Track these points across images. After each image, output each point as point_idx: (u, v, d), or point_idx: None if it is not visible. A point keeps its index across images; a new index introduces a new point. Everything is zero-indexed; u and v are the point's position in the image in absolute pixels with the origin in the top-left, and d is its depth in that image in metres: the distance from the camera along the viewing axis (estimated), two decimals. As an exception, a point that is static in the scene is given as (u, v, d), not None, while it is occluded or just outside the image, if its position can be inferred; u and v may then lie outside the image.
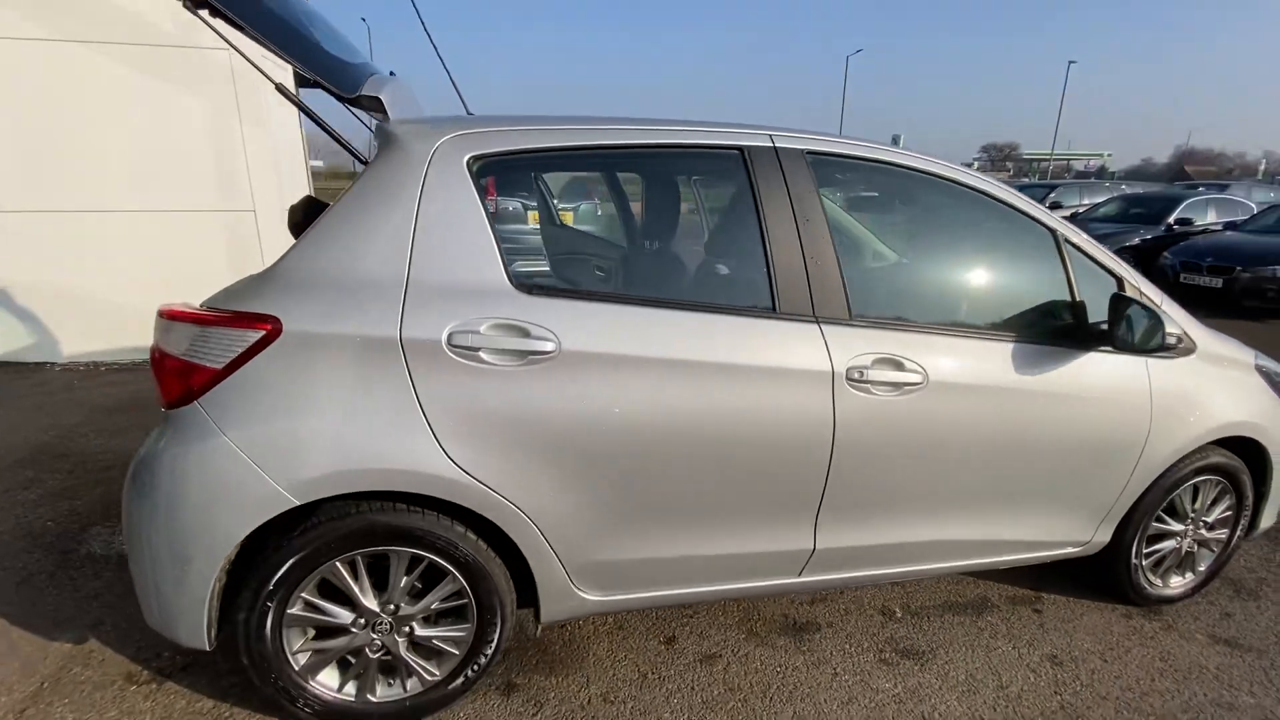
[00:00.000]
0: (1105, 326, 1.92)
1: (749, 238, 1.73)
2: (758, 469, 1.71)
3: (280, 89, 1.75)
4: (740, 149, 1.75)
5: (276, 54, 1.51)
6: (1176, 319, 2.06)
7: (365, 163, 2.49)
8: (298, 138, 5.42)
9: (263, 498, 1.41)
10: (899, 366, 1.74)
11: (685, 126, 1.75)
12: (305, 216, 2.22)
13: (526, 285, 1.55)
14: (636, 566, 1.72)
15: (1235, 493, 2.28)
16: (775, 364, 1.66)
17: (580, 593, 1.70)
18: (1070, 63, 46.38)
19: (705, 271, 2.02)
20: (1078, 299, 1.95)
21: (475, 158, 1.58)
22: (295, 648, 1.58)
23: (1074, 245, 1.99)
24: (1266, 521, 2.41)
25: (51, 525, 2.61)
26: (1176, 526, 2.27)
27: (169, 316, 1.46)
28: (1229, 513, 2.31)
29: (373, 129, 1.77)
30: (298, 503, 1.42)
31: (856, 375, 1.70)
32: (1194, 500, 2.26)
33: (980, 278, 2.05)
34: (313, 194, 7.50)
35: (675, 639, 2.07)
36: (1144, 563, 2.27)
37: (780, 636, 2.11)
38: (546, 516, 1.58)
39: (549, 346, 1.51)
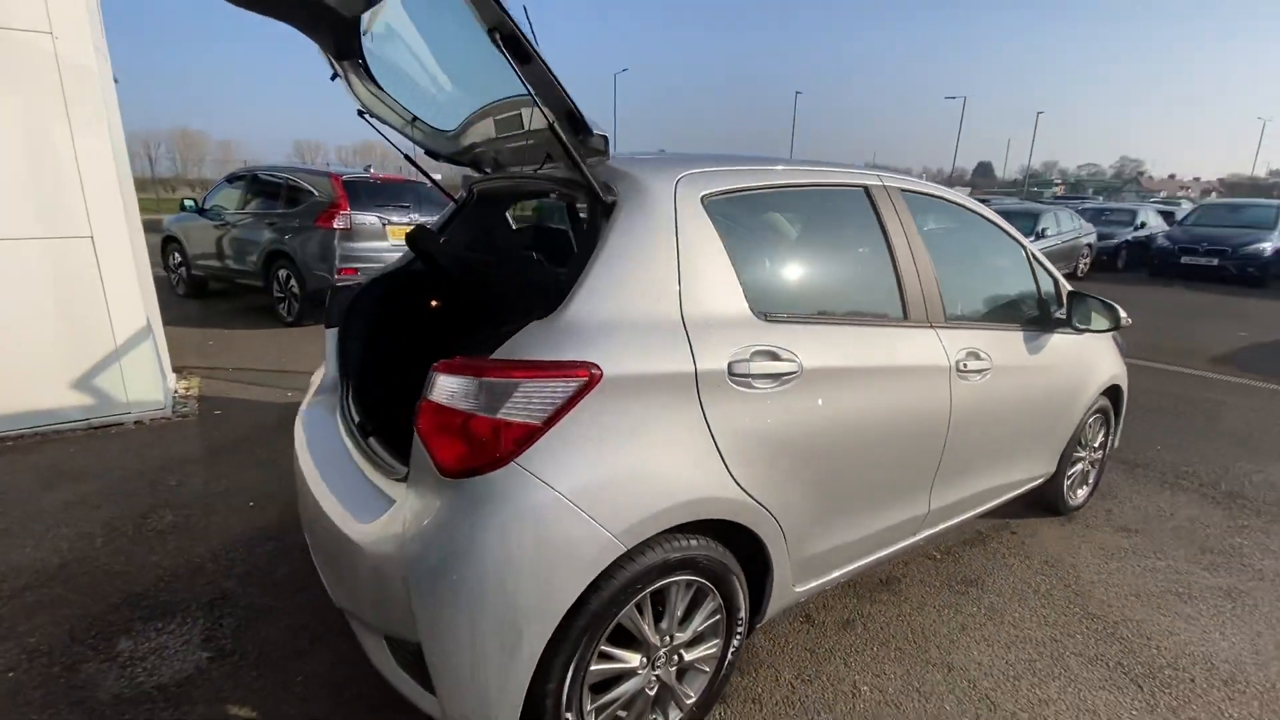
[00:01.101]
0: (1062, 315, 2.66)
1: (882, 259, 2.08)
2: (908, 450, 2.07)
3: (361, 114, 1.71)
4: (865, 187, 2.09)
5: (551, 97, 1.44)
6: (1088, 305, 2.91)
7: (437, 184, 2.34)
8: (124, 149, 4.36)
9: (598, 550, 1.36)
10: (977, 357, 2.24)
11: (829, 167, 2.04)
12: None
13: (763, 313, 1.69)
14: (826, 554, 1.95)
15: (1107, 423, 3.26)
16: (919, 363, 2.04)
17: (793, 587, 1.88)
18: (956, 97, 54.40)
19: (862, 289, 2.26)
20: (1045, 295, 2.67)
21: (706, 195, 1.68)
22: (588, 708, 1.51)
23: (1035, 257, 2.71)
24: (1116, 442, 3.46)
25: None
26: (1083, 453, 3.17)
27: (474, 372, 1.32)
28: (1104, 437, 3.30)
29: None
30: (625, 549, 1.40)
31: (961, 366, 2.16)
32: (1090, 432, 3.17)
33: (994, 284, 2.66)
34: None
35: (812, 617, 2.33)
36: (1067, 483, 3.12)
37: (879, 593, 2.49)
38: (789, 519, 1.74)
39: (794, 367, 1.68)
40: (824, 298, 1.95)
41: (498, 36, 1.33)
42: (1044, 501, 3.14)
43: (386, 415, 2.06)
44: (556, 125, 1.51)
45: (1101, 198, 28.89)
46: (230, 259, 7.37)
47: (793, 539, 1.78)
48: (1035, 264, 2.71)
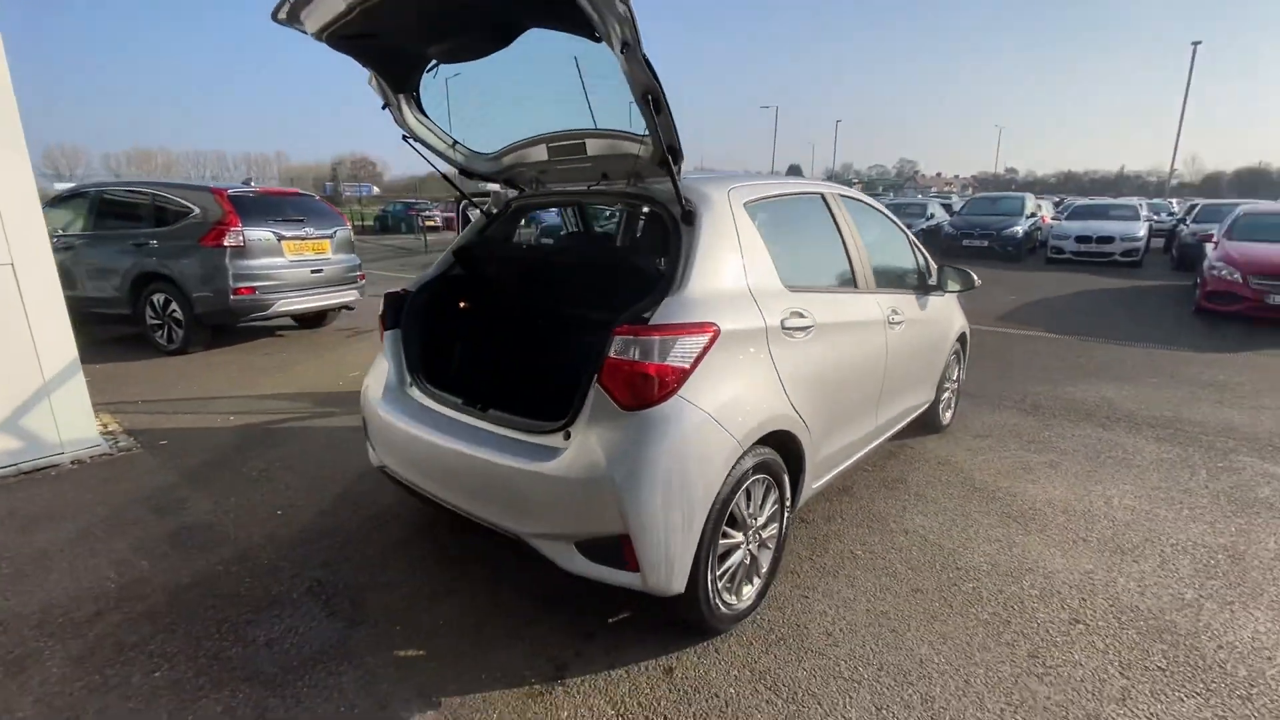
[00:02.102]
0: (934, 281, 3.68)
1: (839, 245, 2.86)
2: (867, 379, 2.88)
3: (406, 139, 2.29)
4: (821, 194, 2.87)
5: (670, 137, 1.96)
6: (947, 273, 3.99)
7: (469, 200, 2.75)
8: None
9: (730, 451, 1.95)
10: (896, 313, 3.13)
11: (799, 180, 2.78)
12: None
13: (789, 285, 2.37)
14: (827, 458, 2.68)
15: (959, 362, 4.43)
16: (870, 318, 2.86)
17: (811, 484, 2.59)
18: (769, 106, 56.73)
19: (832, 267, 2.97)
20: (928, 267, 3.67)
21: (746, 201, 2.32)
22: (717, 573, 2.08)
23: (913, 240, 3.71)
24: (964, 376, 4.67)
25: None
26: (948, 385, 4.29)
27: (644, 334, 1.83)
28: (958, 373, 4.46)
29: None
30: (743, 451, 2.00)
31: (889, 320, 3.02)
32: (951, 369, 4.30)
33: (896, 260, 3.59)
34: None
35: (805, 518, 3.07)
36: (940, 407, 4.21)
37: (842, 497, 3.30)
38: (814, 430, 2.44)
39: (811, 322, 2.38)
40: (814, 273, 2.69)
41: (649, 99, 1.84)
42: (926, 423, 4.20)
43: (483, 393, 2.43)
44: (669, 157, 2.04)
45: (892, 194, 34.15)
46: (81, 287, 6.55)
47: (814, 446, 2.48)
48: (914, 245, 3.71)
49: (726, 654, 2.13)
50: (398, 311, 2.72)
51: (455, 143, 2.72)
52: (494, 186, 2.96)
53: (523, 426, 2.11)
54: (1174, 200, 28.40)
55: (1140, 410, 4.80)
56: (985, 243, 14.76)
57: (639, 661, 2.08)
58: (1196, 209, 14.17)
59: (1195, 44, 29.97)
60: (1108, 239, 13.80)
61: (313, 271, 6.78)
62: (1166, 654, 2.15)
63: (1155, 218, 18.26)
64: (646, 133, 2.06)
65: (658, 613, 2.27)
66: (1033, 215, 16.14)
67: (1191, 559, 2.74)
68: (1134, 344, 7.09)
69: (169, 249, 6.20)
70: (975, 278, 3.72)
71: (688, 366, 1.88)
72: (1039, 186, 75.91)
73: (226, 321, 6.43)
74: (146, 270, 6.27)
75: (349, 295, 7.29)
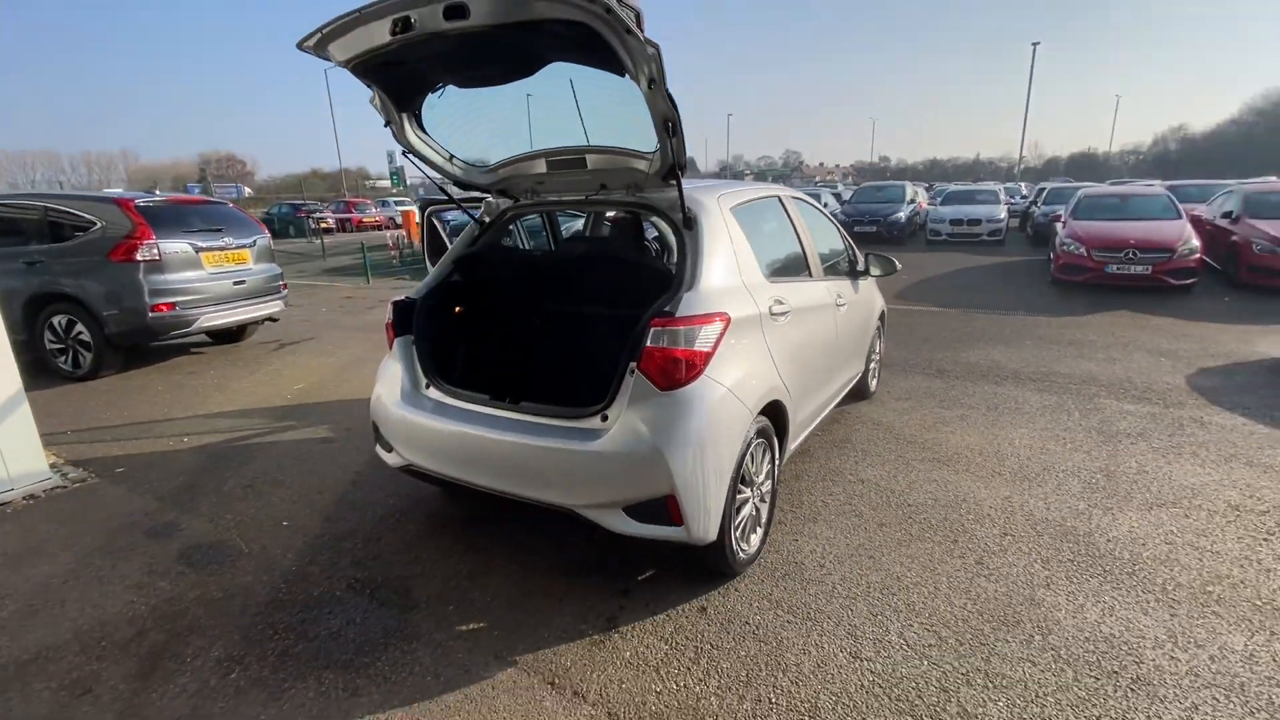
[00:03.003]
0: (862, 267, 4.25)
1: (794, 239, 3.31)
2: (825, 353, 3.36)
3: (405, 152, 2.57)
4: (779, 196, 3.30)
5: (680, 153, 2.27)
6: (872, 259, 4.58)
7: (460, 205, 2.96)
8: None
9: (744, 419, 2.33)
10: (840, 296, 3.64)
11: (764, 184, 3.19)
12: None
13: (768, 277, 2.77)
14: (801, 422, 3.13)
15: (880, 337, 5.08)
16: (824, 301, 3.34)
17: (790, 445, 3.02)
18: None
19: (793, 258, 3.38)
20: (856, 255, 4.23)
21: (732, 206, 2.70)
22: (735, 522, 2.46)
23: (843, 231, 4.26)
24: (883, 349, 5.34)
25: (214, 683, 2.11)
26: (875, 357, 4.91)
27: (675, 324, 2.15)
28: (880, 346, 5.11)
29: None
30: (753, 417, 2.38)
31: (836, 302, 3.53)
32: (874, 343, 4.93)
33: (833, 248, 4.10)
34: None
35: (798, 474, 3.52)
36: (869, 377, 4.83)
37: (803, 459, 3.79)
38: (794, 397, 2.87)
39: (789, 308, 2.81)
40: (783, 265, 3.12)
41: (668, 125, 2.15)
42: (858, 391, 4.80)
43: (504, 388, 2.65)
44: (678, 170, 2.35)
45: (782, 184, 36.11)
46: (-40, 313, 5.88)
47: (794, 412, 2.91)
48: (844, 235, 4.26)
49: (745, 591, 2.51)
50: (406, 318, 2.87)
51: (452, 157, 2.90)
52: (489, 199, 3.16)
53: (561, 414, 2.37)
54: (1023, 184, 32.02)
55: (1022, 368, 5.69)
56: (874, 228, 16.17)
57: (675, 605, 2.42)
58: (1045, 192, 16.27)
59: (1035, 44, 34.02)
60: (976, 221, 15.56)
61: (235, 283, 6.48)
62: (1073, 550, 2.76)
63: (1011, 200, 20.68)
64: (653, 150, 2.37)
65: (681, 568, 2.62)
66: (912, 201, 17.84)
67: (1078, 480, 3.44)
68: (1008, 313, 8.22)
69: (70, 266, 5.73)
70: (897, 263, 4.33)
71: (710, 350, 2.23)
72: (909, 173, 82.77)
73: (143, 341, 6.04)
74: (43, 291, 5.75)
75: (273, 306, 7.01)
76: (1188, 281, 9.10)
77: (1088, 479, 3.45)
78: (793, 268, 3.24)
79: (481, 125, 2.76)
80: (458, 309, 3.18)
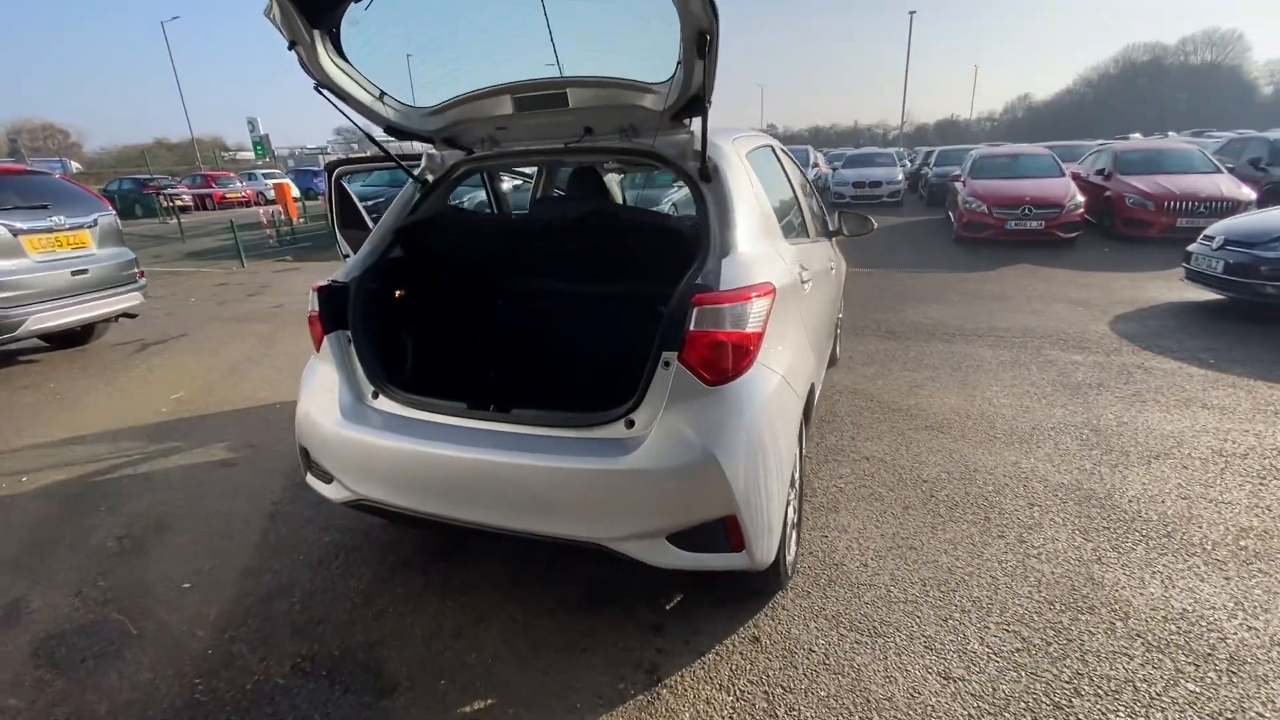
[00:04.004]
0: (834, 225, 3.97)
1: (791, 195, 2.92)
2: (829, 322, 3.03)
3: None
4: (772, 146, 2.89)
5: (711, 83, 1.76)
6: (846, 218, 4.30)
7: (403, 167, 2.32)
8: None
9: (797, 409, 1.93)
10: (830, 258, 3.33)
11: (755, 131, 2.76)
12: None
13: (787, 238, 2.37)
14: (817, 402, 2.80)
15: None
16: (826, 265, 3.00)
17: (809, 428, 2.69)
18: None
19: (794, 216, 2.97)
20: (825, 214, 3.93)
21: (746, 151, 2.25)
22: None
23: (820, 192, 3.94)
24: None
25: None
26: (839, 319, 4.71)
27: (723, 301, 1.69)
28: (842, 312, 4.91)
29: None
30: (802, 407, 1.98)
31: (829, 266, 3.20)
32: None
33: (815, 206, 3.76)
34: None
35: (809, 487, 3.19)
36: (836, 341, 4.63)
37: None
38: (819, 372, 2.51)
39: (810, 275, 2.43)
40: (790, 224, 2.72)
41: (704, 39, 1.64)
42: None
43: (480, 391, 2.09)
44: (705, 104, 1.85)
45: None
46: None
47: (818, 391, 2.57)
48: (819, 195, 3.94)
49: (793, 608, 2.15)
50: (338, 308, 2.21)
51: (384, 94, 2.22)
52: (431, 150, 2.49)
53: (572, 422, 1.86)
54: (902, 149, 33.86)
55: (964, 325, 5.74)
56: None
57: (721, 640, 2.02)
58: (935, 154, 17.05)
59: (912, 13, 35.69)
60: (877, 184, 16.07)
61: (74, 273, 5.23)
62: (1103, 515, 2.64)
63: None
64: (665, 80, 1.87)
65: (711, 587, 2.21)
66: (815, 165, 18.18)
67: (1071, 437, 3.38)
68: (926, 271, 8.42)
69: None
70: (873, 222, 4.08)
71: (761, 330, 1.80)
72: (795, 139, 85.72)
73: (-52, 353, 4.73)
74: None
75: (129, 299, 5.78)
76: (1074, 235, 9.77)
77: (1078, 435, 3.39)
78: (797, 227, 2.86)
79: (424, 50, 2.11)
80: (399, 293, 2.53)
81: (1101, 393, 4.01)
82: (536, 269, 2.50)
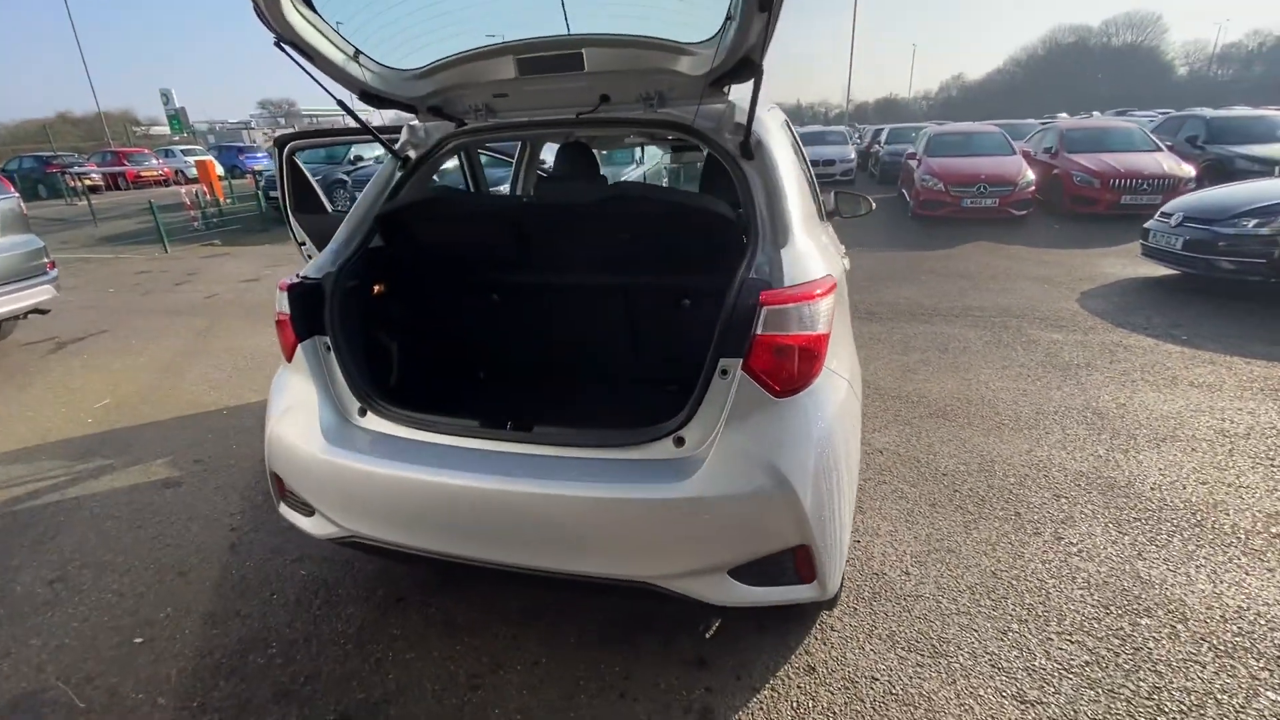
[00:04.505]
0: (831, 207, 3.78)
1: (804, 174, 2.70)
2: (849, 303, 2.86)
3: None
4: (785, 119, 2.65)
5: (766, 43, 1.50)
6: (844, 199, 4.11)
7: (382, 142, 1.98)
8: None
9: (859, 416, 1.71)
10: (835, 240, 3.13)
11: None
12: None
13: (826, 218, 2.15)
14: None
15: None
16: (833, 245, 2.79)
17: None
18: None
19: (813, 199, 2.72)
20: (823, 199, 3.73)
21: (780, 125, 2.00)
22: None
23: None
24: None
25: None
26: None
27: (792, 299, 1.45)
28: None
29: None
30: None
31: (839, 248, 3.02)
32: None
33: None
34: None
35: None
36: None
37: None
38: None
39: (849, 263, 2.21)
40: (816, 207, 2.49)
41: None
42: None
43: (493, 407, 1.81)
44: (757, 68, 1.58)
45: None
46: None
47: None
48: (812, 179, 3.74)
49: (844, 629, 1.98)
50: (313, 309, 1.86)
51: (359, 53, 1.86)
52: (414, 122, 2.14)
53: (609, 441, 1.60)
54: (846, 127, 34.24)
55: (939, 304, 5.72)
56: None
57: (774, 673, 1.83)
58: (885, 132, 17.20)
59: None
60: (831, 162, 16.09)
61: (-32, 265, 4.55)
62: (1130, 505, 2.58)
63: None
64: (709, 38, 1.60)
65: (747, 609, 2.01)
66: (770, 143, 18.06)
67: (1076, 422, 3.33)
68: (889, 249, 8.43)
69: None
70: (872, 202, 3.91)
71: (827, 331, 1.58)
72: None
73: None
74: None
75: (39, 293, 5.11)
76: (1025, 212, 10.00)
77: (1083, 419, 3.35)
78: (814, 209, 2.64)
79: (411, 5, 1.76)
80: (378, 288, 2.18)
81: (1091, 372, 4.01)
82: (549, 260, 2.18)
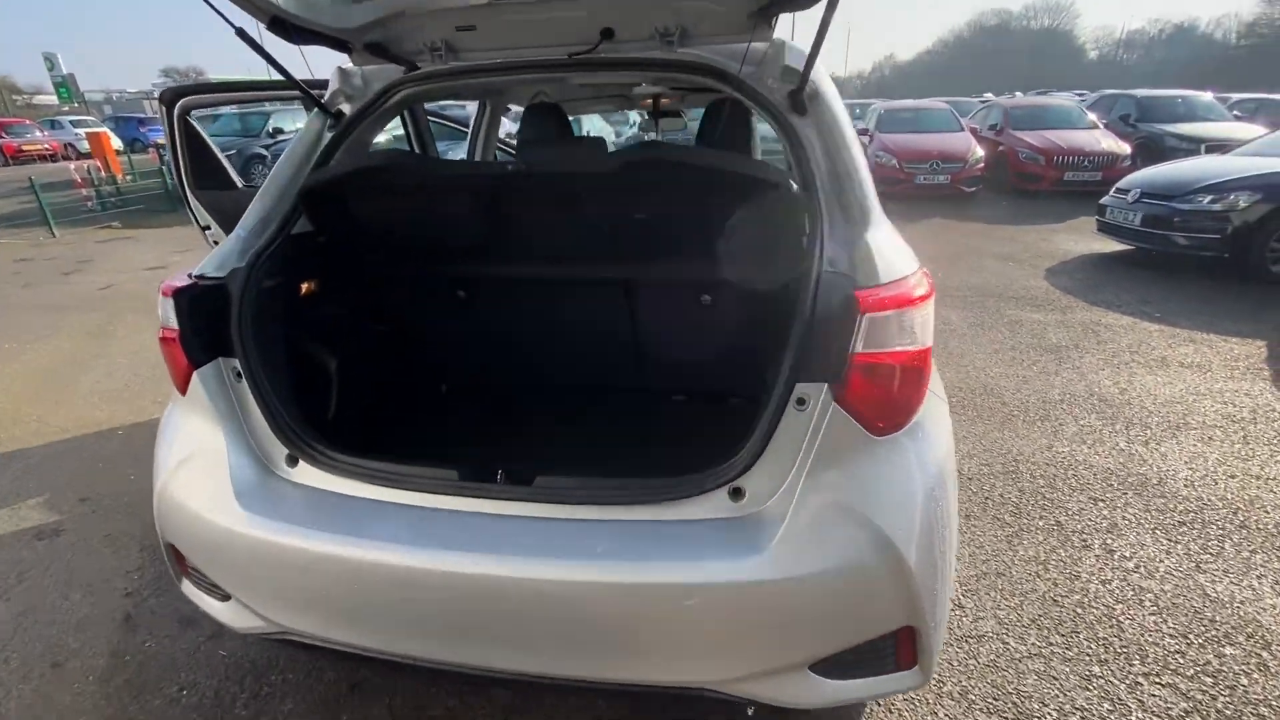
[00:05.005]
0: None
1: None
2: None
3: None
4: None
5: None
6: None
7: (329, 110, 1.45)
8: None
9: None
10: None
11: None
12: None
13: None
14: None
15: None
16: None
17: None
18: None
19: None
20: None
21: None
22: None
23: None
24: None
25: None
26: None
27: (890, 302, 1.07)
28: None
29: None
30: None
31: None
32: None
33: None
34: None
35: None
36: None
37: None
38: None
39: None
40: None
41: None
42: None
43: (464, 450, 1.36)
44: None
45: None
46: None
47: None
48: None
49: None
50: (213, 323, 1.35)
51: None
52: (347, 65, 1.61)
53: (639, 497, 1.19)
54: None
55: (914, 284, 5.54)
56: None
57: (839, 754, 1.49)
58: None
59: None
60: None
61: None
62: (1171, 508, 2.38)
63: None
64: None
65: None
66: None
67: (1086, 411, 3.15)
68: (853, 227, 8.28)
69: None
70: None
71: (931, 344, 1.21)
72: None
73: None
74: None
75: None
76: (974, 189, 10.06)
77: (1092, 408, 3.17)
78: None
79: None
80: (306, 287, 1.67)
81: (1082, 354, 3.87)
82: (535, 247, 1.69)
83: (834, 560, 1.07)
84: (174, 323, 1.34)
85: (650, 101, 3.05)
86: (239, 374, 1.35)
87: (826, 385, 1.10)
